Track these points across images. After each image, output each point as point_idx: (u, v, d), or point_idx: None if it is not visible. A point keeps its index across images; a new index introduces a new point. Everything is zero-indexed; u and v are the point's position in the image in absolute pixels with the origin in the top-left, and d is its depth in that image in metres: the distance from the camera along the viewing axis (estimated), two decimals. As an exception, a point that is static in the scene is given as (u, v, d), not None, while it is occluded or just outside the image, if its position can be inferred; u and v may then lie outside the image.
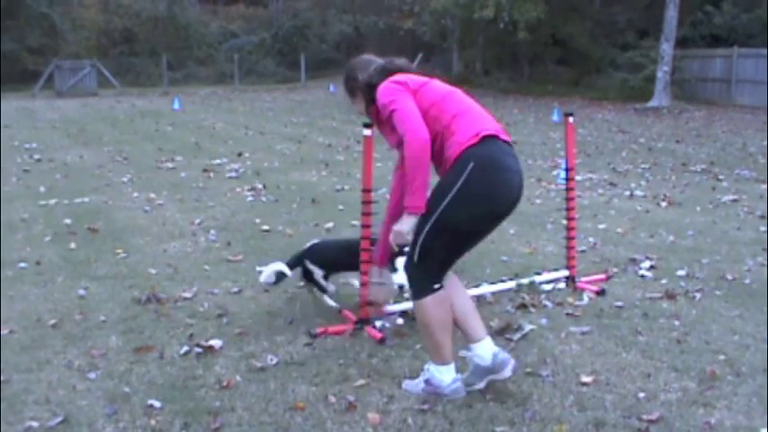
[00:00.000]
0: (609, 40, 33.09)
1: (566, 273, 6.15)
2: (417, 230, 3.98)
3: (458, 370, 4.15)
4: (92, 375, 4.40)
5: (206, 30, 45.94)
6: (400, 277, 5.05)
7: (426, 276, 4.06)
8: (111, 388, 4.24)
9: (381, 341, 4.86)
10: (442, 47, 40.65)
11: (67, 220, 8.49)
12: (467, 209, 3.92)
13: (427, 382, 4.14)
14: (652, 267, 6.58)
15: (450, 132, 4.01)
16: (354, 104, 4.62)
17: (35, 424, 3.83)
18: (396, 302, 5.51)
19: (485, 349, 4.13)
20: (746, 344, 4.85)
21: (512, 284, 5.96)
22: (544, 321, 5.26)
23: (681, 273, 6.43)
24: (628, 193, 10.32)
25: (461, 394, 4.09)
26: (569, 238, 6.18)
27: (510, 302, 5.66)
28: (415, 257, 4.03)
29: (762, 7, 30.03)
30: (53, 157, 14.08)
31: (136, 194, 10.28)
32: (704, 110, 26.16)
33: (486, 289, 5.86)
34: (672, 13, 26.77)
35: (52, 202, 9.62)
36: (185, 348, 4.78)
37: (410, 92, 4.14)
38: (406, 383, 4.24)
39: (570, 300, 5.73)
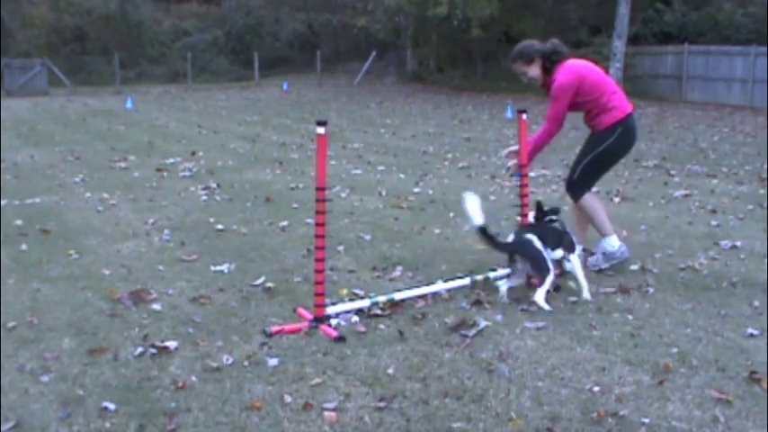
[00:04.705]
0: (562, 38, 32.85)
1: (520, 269, 6.18)
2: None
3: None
4: (44, 379, 4.34)
5: (158, 28, 45.56)
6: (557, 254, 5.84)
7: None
8: (65, 391, 4.19)
9: (337, 339, 4.85)
10: (395, 44, 40.75)
11: (18, 222, 8.38)
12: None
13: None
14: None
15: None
16: (528, 71, 6.40)
17: (-14, 429, 3.78)
18: (350, 300, 5.52)
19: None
20: (698, 336, 4.91)
21: (467, 281, 5.98)
22: (499, 317, 5.28)
23: (634, 267, 6.50)
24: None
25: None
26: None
27: (465, 299, 5.68)
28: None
29: (710, 5, 30.46)
30: (3, 157, 13.87)
31: (88, 194, 10.17)
32: (656, 106, 26.47)
33: (441, 286, 5.87)
34: (624, 11, 27.07)
35: (3, 203, 9.47)
36: (140, 349, 4.73)
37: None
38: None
39: (525, 296, 5.75)
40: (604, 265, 6.43)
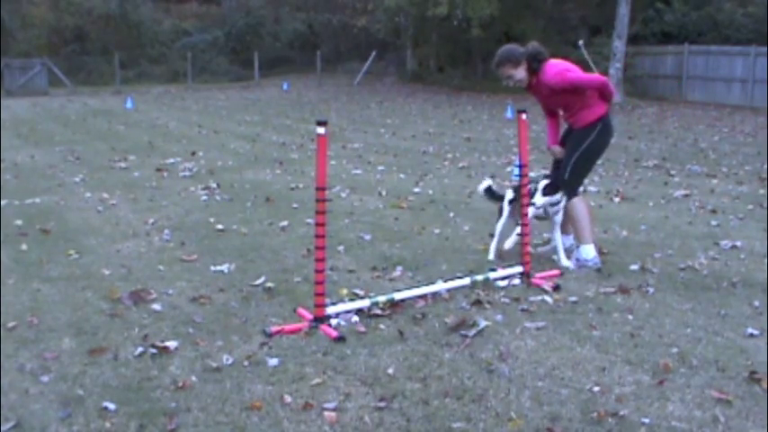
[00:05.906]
0: (562, 38, 33.30)
1: (520, 269, 6.19)
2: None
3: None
4: (44, 379, 4.34)
5: (158, 28, 45.49)
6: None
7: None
8: (65, 391, 4.19)
9: (337, 339, 4.85)
10: (395, 44, 40.73)
11: (18, 222, 8.37)
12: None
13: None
14: (605, 262, 6.64)
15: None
16: (515, 74, 6.44)
17: (-14, 429, 3.78)
18: (351, 300, 5.52)
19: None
20: (698, 336, 4.91)
21: (466, 281, 5.98)
22: (499, 317, 5.28)
23: (634, 267, 6.50)
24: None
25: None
26: (523, 235, 6.22)
27: (465, 299, 5.67)
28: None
29: (710, 5, 30.47)
30: (3, 157, 13.86)
31: (88, 194, 10.16)
32: (656, 106, 26.48)
33: (441, 286, 5.86)
34: (624, 11, 27.04)
35: (3, 203, 9.47)
36: (140, 349, 4.73)
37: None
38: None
39: (525, 295, 5.76)
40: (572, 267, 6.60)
